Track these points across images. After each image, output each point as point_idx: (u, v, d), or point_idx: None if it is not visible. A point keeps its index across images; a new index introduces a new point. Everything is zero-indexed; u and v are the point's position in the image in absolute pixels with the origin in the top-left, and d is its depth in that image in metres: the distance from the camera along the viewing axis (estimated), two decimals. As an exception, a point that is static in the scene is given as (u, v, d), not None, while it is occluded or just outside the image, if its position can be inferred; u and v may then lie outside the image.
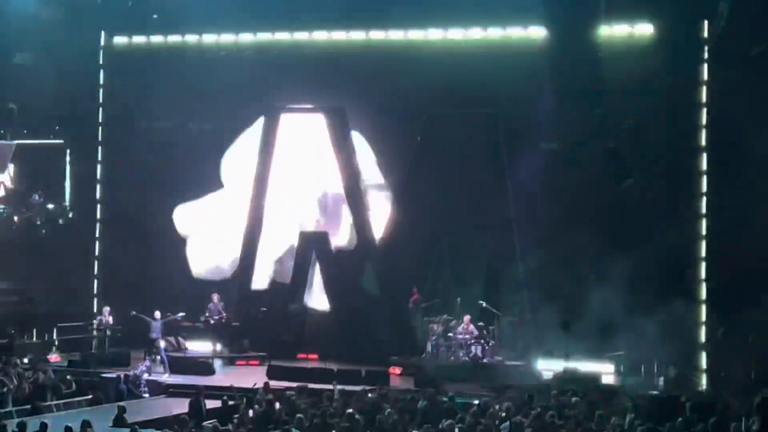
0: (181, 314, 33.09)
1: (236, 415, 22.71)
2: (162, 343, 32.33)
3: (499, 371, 30.72)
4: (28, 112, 33.35)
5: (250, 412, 23.28)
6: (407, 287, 33.78)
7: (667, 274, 29.09)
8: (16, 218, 36.17)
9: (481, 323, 32.03)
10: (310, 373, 30.24)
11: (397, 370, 31.79)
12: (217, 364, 32.73)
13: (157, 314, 32.37)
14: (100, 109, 36.47)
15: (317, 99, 34.83)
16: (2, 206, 36.18)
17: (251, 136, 35.72)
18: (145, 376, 29.47)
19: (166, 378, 30.62)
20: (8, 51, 34.07)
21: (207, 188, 35.60)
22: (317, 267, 35.13)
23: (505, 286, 32.82)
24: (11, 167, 35.11)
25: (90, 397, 27.44)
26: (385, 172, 35.08)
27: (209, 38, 35.29)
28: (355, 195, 34.70)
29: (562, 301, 29.94)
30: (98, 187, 36.59)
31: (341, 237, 35.35)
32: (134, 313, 32.88)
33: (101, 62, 36.49)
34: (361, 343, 33.29)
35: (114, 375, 29.77)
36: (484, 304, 32.02)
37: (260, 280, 35.60)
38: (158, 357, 32.05)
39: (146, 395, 29.00)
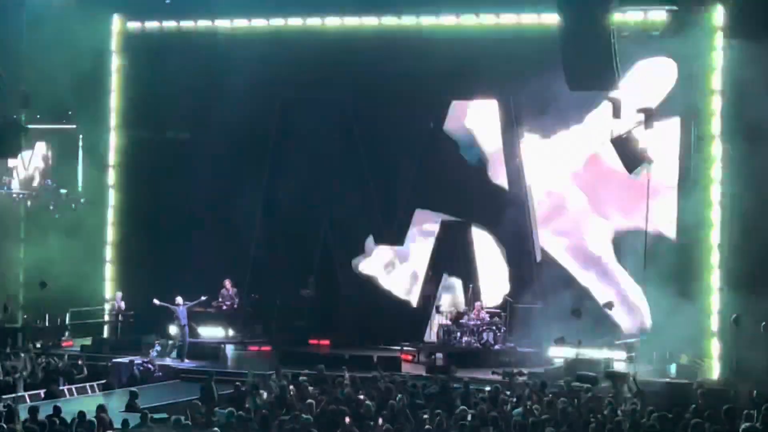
0: (203, 297, 32.91)
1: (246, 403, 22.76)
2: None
3: (511, 358, 30.74)
4: (40, 97, 33.30)
5: (264, 395, 23.31)
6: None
7: (679, 261, 29.00)
8: (29, 203, 36.23)
9: (493, 310, 32.04)
10: (321, 359, 30.25)
11: (409, 357, 31.78)
12: (229, 349, 32.77)
13: (179, 299, 32.30)
14: (113, 94, 36.48)
15: (329, 85, 34.70)
16: (16, 191, 36.23)
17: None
18: (158, 360, 29.46)
19: (186, 364, 30.47)
20: (21, 35, 34.02)
21: (221, 175, 35.52)
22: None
23: (517, 272, 32.81)
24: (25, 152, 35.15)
25: (102, 382, 27.50)
26: (398, 157, 35.04)
27: (222, 23, 35.25)
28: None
29: (574, 287, 29.89)
30: (111, 172, 36.59)
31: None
32: (156, 302, 32.69)
33: (114, 47, 36.51)
34: (373, 329, 33.37)
35: (126, 360, 29.80)
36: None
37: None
38: (171, 342, 31.93)
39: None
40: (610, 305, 29.59)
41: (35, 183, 36.39)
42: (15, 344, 30.73)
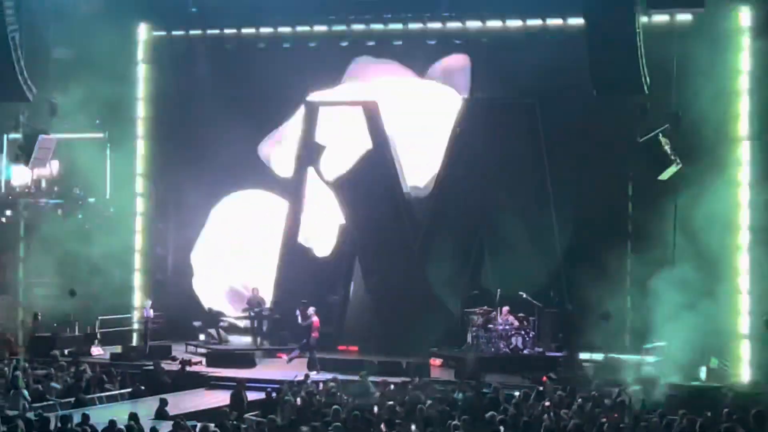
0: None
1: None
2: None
3: (540, 362, 30.68)
4: (68, 107, 33.46)
5: (298, 401, 23.32)
6: (447, 277, 33.71)
7: (709, 264, 28.90)
8: (60, 212, 36.43)
9: (521, 314, 31.95)
10: (350, 364, 30.28)
11: (438, 362, 31.75)
12: (258, 355, 32.82)
13: (311, 310, 31.57)
14: (140, 102, 36.62)
15: (355, 90, 34.76)
16: (45, 200, 36.43)
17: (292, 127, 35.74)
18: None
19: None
20: (48, 46, 34.24)
21: (246, 181, 35.65)
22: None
23: (545, 277, 32.72)
24: (54, 161, 35.36)
25: (131, 390, 27.56)
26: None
27: (247, 31, 35.36)
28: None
29: (602, 291, 29.79)
30: (138, 180, 36.74)
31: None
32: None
33: (141, 56, 36.66)
34: (402, 335, 33.34)
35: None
36: (525, 295, 31.91)
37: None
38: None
39: None
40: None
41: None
42: (49, 353, 30.83)
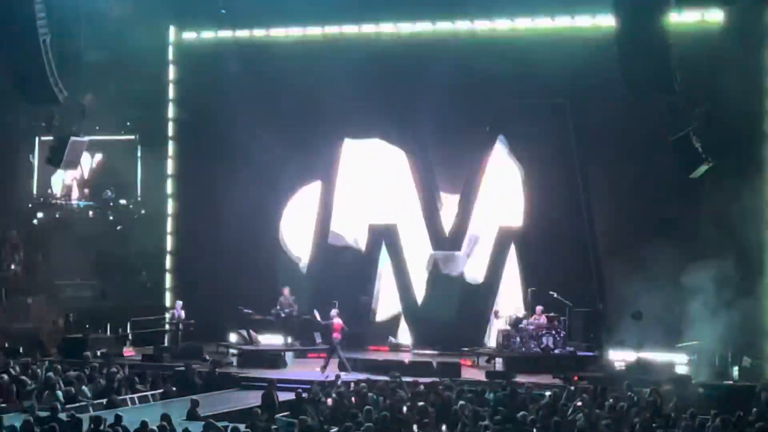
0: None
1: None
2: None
3: (571, 362, 30.58)
4: (99, 109, 33.61)
5: (329, 401, 23.35)
6: (479, 277, 33.70)
7: (739, 262, 28.76)
8: (91, 213, 36.59)
9: (552, 314, 31.88)
10: (381, 365, 30.27)
11: (469, 362, 31.72)
12: (289, 356, 32.82)
13: (334, 312, 31.53)
14: (171, 104, 36.75)
15: (383, 91, 34.69)
16: (77, 202, 36.59)
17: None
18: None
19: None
20: (79, 48, 34.38)
21: (276, 182, 35.70)
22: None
23: (576, 276, 32.65)
24: (90, 162, 35.56)
25: (162, 390, 27.62)
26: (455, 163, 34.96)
27: (277, 32, 35.43)
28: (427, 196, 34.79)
29: (633, 290, 29.70)
30: (169, 182, 36.85)
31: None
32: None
33: (171, 58, 36.79)
34: (433, 335, 33.35)
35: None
36: (555, 295, 31.85)
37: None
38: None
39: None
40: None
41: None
42: (81, 354, 30.92)
